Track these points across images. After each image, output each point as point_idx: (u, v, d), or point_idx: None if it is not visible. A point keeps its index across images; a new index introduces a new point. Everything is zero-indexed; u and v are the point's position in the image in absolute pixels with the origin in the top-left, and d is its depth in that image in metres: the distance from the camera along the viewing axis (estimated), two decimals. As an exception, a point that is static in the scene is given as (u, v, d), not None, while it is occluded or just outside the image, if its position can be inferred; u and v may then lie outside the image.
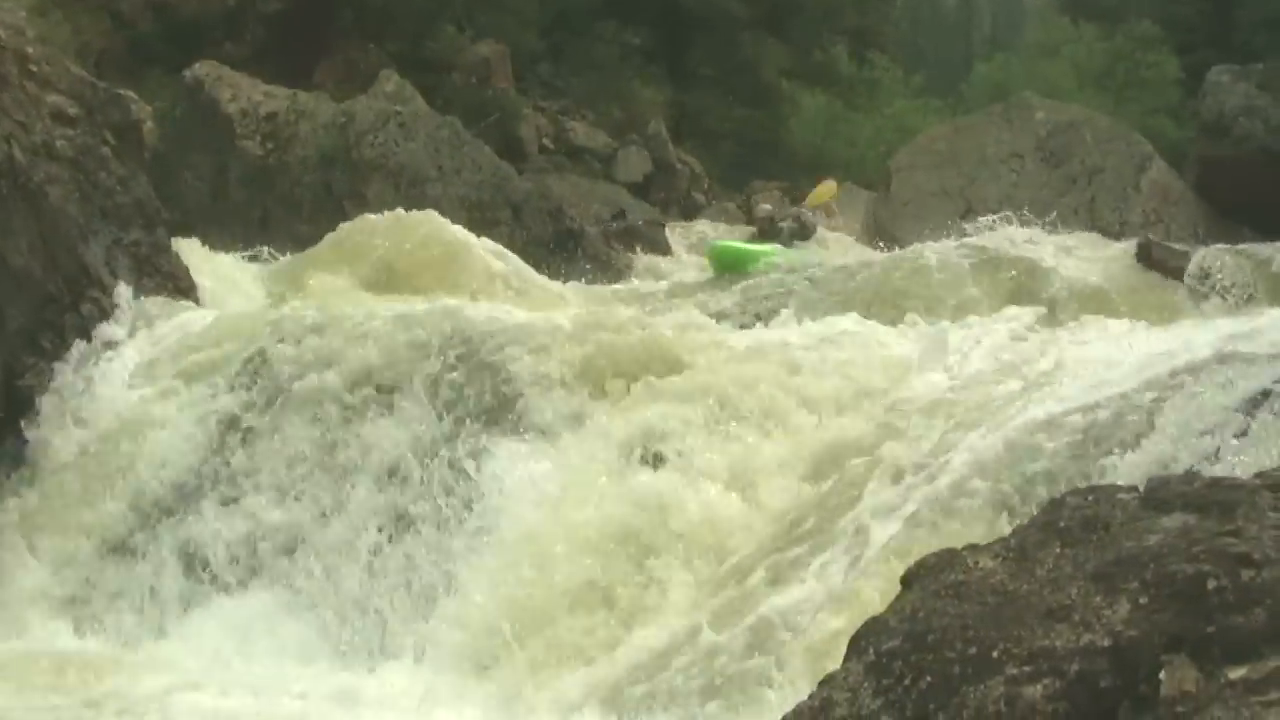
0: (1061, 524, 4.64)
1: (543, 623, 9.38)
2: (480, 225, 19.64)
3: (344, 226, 18.29)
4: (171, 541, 11.35)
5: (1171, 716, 3.58)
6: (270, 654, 10.17)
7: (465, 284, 16.31)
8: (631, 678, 8.54)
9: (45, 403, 12.48)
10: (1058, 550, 4.47)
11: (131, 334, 13.50)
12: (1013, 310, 14.06)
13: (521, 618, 9.44)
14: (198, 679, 9.56)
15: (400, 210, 18.46)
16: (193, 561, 11.22)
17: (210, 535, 11.30)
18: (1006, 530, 5.60)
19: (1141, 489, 4.82)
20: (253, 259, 18.30)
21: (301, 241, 19.22)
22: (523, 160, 28.92)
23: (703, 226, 27.69)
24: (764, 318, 15.73)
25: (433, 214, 18.29)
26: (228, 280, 17.13)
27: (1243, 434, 7.35)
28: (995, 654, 3.97)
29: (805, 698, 4.40)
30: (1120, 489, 4.92)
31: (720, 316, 15.81)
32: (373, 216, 18.35)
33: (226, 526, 11.31)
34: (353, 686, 9.42)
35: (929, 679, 4.02)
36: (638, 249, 23.63)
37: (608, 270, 21.45)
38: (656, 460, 10.46)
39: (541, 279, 18.40)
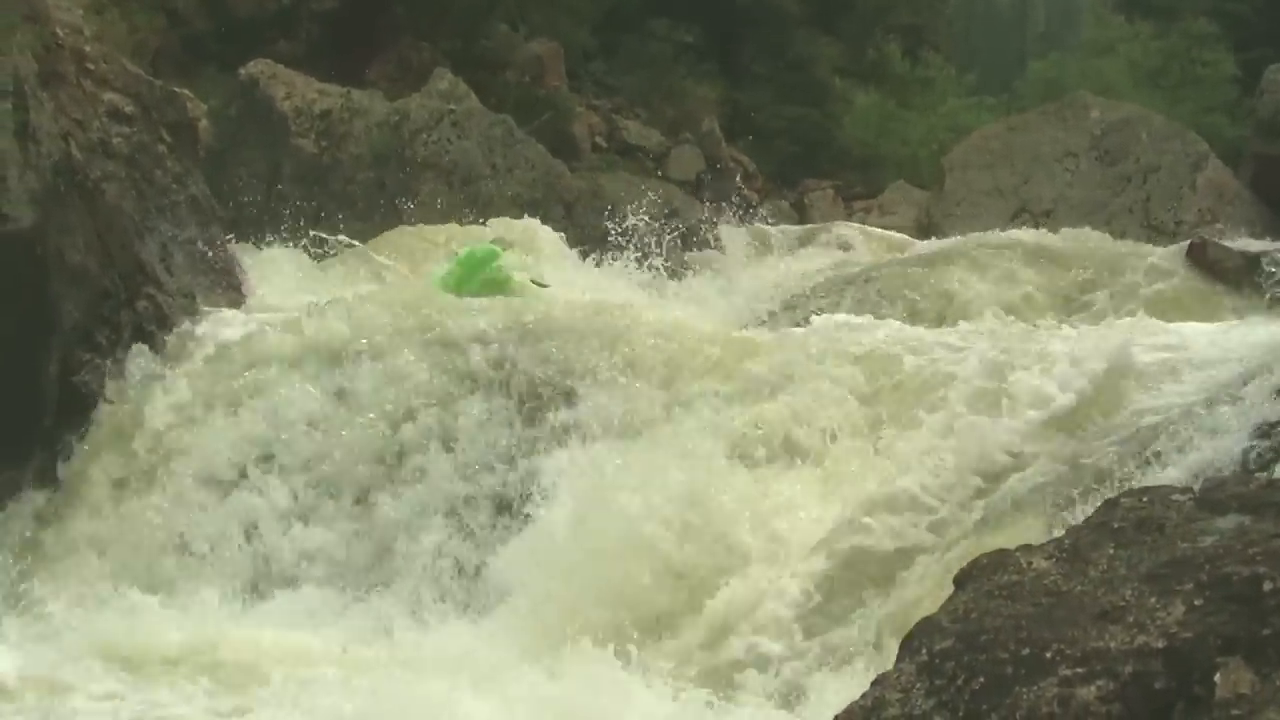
0: (1115, 525, 4.62)
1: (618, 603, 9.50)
2: (532, 224, 19.87)
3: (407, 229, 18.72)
4: (239, 530, 11.48)
5: (1226, 719, 3.56)
6: (340, 631, 10.29)
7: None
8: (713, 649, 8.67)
9: (101, 398, 12.57)
10: (1111, 551, 4.45)
11: (185, 329, 13.59)
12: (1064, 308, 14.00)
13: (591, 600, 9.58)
14: (293, 653, 9.65)
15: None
16: (259, 550, 11.37)
17: (280, 524, 11.45)
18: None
19: (1196, 490, 4.79)
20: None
21: (354, 239, 19.35)
22: (575, 158, 28.87)
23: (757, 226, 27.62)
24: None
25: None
26: (281, 275, 17.25)
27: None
28: (1048, 655, 3.95)
29: (858, 697, 4.40)
30: (1175, 490, 4.89)
31: (772, 314, 15.88)
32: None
33: (295, 516, 11.48)
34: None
35: (982, 679, 4.01)
36: (690, 248, 23.58)
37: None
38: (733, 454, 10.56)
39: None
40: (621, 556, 9.76)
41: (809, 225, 27.42)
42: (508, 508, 11.20)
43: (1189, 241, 17.99)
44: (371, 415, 12.00)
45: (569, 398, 11.78)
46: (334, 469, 11.78)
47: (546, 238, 19.53)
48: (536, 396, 11.88)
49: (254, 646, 9.97)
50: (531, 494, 11.14)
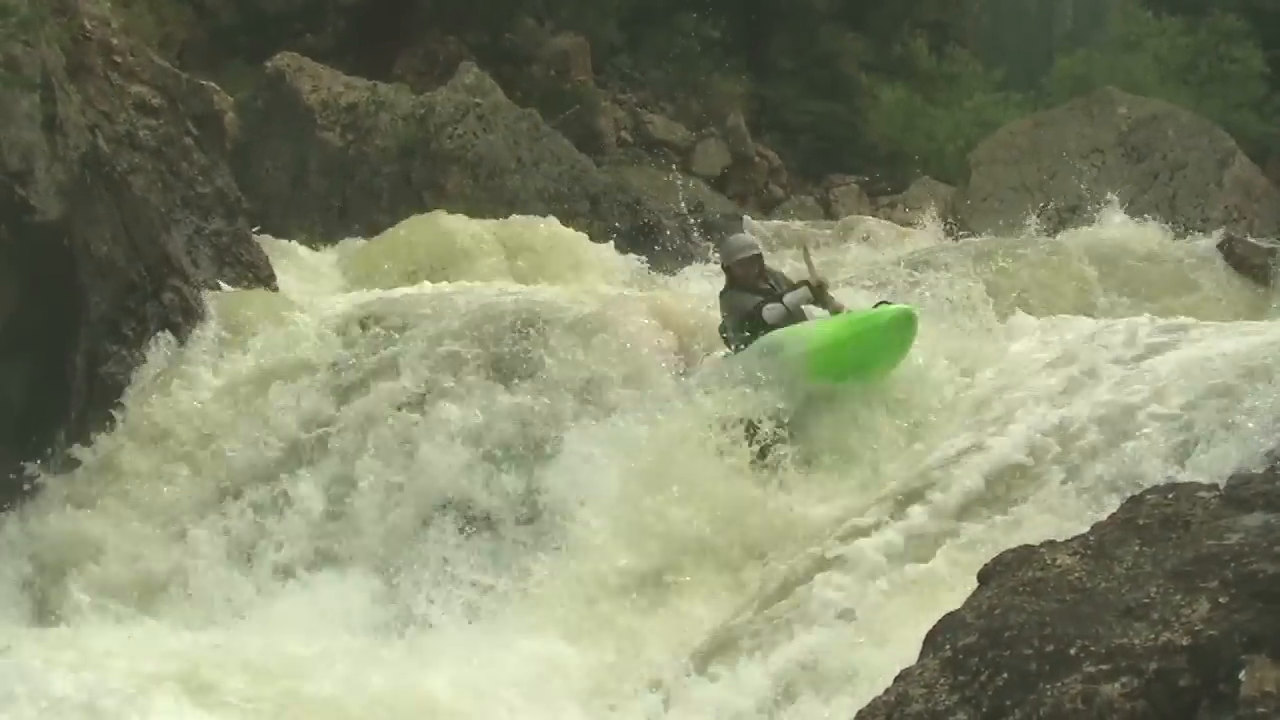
0: (1141, 521, 4.61)
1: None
2: (558, 217, 19.81)
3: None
4: (255, 524, 11.49)
5: (1252, 717, 3.55)
6: (352, 623, 10.29)
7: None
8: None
9: (127, 391, 12.58)
10: (1137, 548, 4.44)
11: (211, 322, 13.61)
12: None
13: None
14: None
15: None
16: (276, 540, 11.37)
17: (299, 514, 11.46)
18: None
19: (1222, 487, 4.78)
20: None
21: (380, 231, 19.38)
22: (601, 153, 28.90)
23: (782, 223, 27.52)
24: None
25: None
26: (308, 268, 17.28)
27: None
28: (1073, 651, 3.94)
29: (881, 693, 4.40)
30: (1201, 486, 4.88)
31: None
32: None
33: (312, 507, 11.48)
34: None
35: (1005, 675, 4.01)
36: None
37: (686, 263, 21.39)
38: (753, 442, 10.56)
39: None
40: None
41: (835, 221, 27.41)
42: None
43: (1220, 235, 17.91)
44: (393, 407, 12.00)
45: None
46: (355, 459, 11.80)
47: (569, 237, 19.30)
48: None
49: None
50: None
